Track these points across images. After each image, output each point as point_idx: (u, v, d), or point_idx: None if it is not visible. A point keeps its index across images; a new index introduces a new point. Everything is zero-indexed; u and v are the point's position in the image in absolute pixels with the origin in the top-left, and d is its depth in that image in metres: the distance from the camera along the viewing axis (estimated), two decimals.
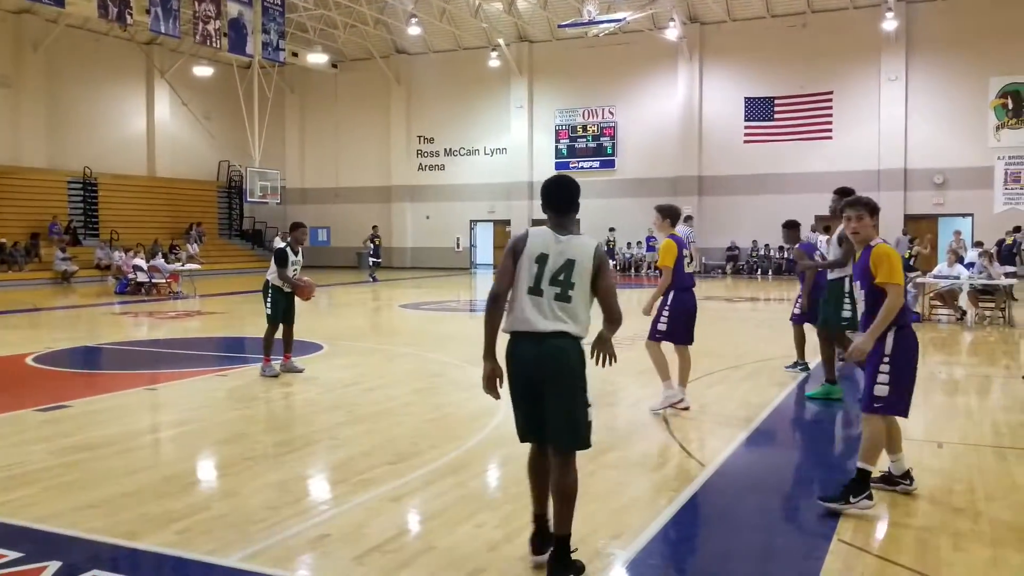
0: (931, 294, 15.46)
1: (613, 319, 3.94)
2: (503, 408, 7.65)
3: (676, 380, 7.52)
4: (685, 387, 7.54)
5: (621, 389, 8.61)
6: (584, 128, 33.10)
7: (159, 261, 23.84)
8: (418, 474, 5.56)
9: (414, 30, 31.28)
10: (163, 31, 25.02)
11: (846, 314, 7.72)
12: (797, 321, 9.52)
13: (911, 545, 4.36)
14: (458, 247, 35.96)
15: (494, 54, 32.67)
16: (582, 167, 33.15)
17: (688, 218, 19.18)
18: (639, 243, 31.37)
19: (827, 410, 7.75)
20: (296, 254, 9.53)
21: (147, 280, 22.53)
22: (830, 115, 29.58)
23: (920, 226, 27.89)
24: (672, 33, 29.85)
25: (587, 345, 3.95)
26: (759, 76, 30.35)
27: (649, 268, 30.93)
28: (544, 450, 4.01)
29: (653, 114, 31.94)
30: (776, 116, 30.19)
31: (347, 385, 8.91)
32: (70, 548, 4.22)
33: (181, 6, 25.33)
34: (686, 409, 7.41)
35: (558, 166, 33.54)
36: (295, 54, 32.85)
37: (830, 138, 29.51)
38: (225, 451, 6.39)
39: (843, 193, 7.84)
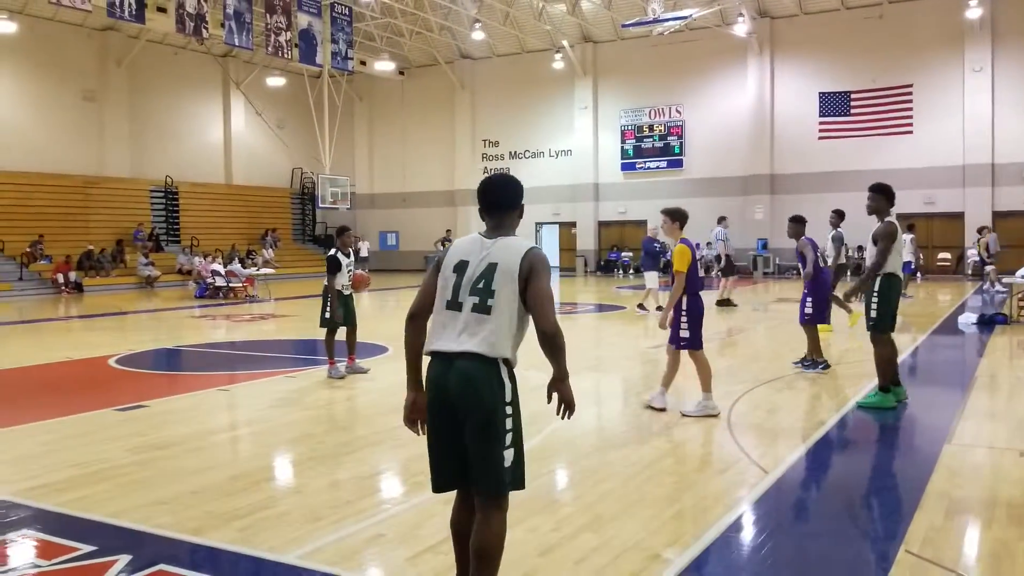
0: (1020, 295, 14.81)
1: (544, 330, 3.22)
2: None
3: (662, 382, 7.57)
4: (668, 388, 7.53)
5: (684, 393, 8.48)
6: (651, 128, 32.78)
7: (236, 266, 24.61)
8: None
9: (478, 35, 31.52)
10: (237, 43, 25.80)
11: (872, 314, 7.48)
12: (809, 322, 9.50)
13: (984, 558, 4.16)
14: None
15: (558, 56, 32.63)
16: (649, 167, 32.87)
17: (722, 219, 18.97)
18: (708, 244, 30.82)
19: (899, 416, 7.45)
20: (348, 257, 9.70)
21: (224, 284, 23.28)
22: (910, 109, 28.52)
23: (1009, 224, 26.74)
24: (741, 28, 29.32)
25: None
26: (834, 70, 29.51)
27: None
28: (468, 503, 3.44)
29: (722, 112, 31.39)
30: (852, 111, 29.29)
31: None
32: (140, 543, 4.39)
33: (253, 19, 26.08)
34: (663, 410, 7.41)
35: (624, 167, 33.36)
36: (363, 62, 33.45)
37: (910, 133, 28.46)
38: (290, 451, 6.56)
39: (878, 190, 7.65)
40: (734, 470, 5.74)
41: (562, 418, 3.41)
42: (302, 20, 27.58)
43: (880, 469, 6.10)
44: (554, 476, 5.78)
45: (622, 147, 33.40)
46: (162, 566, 4.06)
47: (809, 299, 9.50)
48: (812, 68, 30.00)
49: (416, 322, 3.47)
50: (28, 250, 25.60)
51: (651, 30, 28.69)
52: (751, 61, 30.68)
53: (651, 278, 16.93)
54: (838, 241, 12.47)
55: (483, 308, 3.28)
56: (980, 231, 22.60)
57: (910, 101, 28.51)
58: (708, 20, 29.51)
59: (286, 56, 27.65)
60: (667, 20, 26.96)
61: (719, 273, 18.17)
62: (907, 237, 18.59)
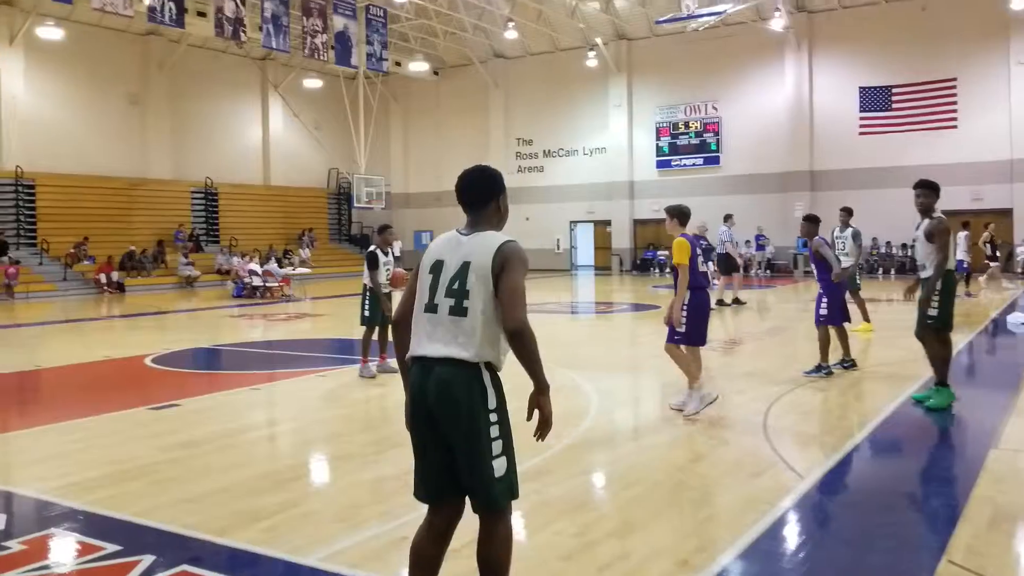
0: None
1: (508, 328, 3.03)
2: (590, 412, 7.57)
3: (689, 385, 7.38)
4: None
5: (719, 392, 8.33)
6: (686, 125, 32.43)
7: (272, 266, 24.83)
8: None
9: (511, 34, 31.48)
10: (274, 46, 26.06)
11: (932, 312, 7.33)
12: (824, 323, 9.27)
13: None
14: (558, 248, 35.92)
15: (591, 54, 32.43)
16: (685, 164, 32.53)
17: (728, 217, 18.72)
18: (747, 242, 30.42)
19: (941, 417, 7.24)
20: (387, 255, 9.68)
21: (261, 284, 23.50)
22: (954, 103, 27.79)
23: None
24: (778, 23, 28.85)
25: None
26: (874, 64, 28.91)
27: (760, 267, 30.05)
28: (438, 518, 3.28)
29: (760, 108, 30.96)
30: (894, 106, 28.65)
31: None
32: (165, 543, 4.39)
33: (290, 22, 26.31)
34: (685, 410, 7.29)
35: (659, 164, 33.07)
36: (398, 63, 33.59)
37: (955, 127, 27.74)
38: (318, 450, 6.56)
39: (927, 186, 7.53)
40: (768, 474, 5.58)
41: (537, 439, 3.18)
42: (338, 22, 27.77)
43: (922, 474, 5.90)
44: (581, 479, 5.69)
45: (657, 144, 33.09)
46: (185, 567, 4.05)
47: (825, 299, 9.30)
48: (852, 62, 29.45)
49: (401, 328, 3.34)
50: (72, 251, 26.10)
51: (686, 26, 28.36)
52: (789, 56, 30.21)
53: None
54: (858, 238, 12.34)
55: (459, 310, 3.12)
56: (986, 226, 22.14)
57: (954, 95, 27.80)
58: (744, 15, 29.10)
59: (322, 58, 27.87)
60: (702, 16, 26.61)
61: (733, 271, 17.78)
62: (962, 235, 18.20)
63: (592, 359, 11.12)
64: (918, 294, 7.53)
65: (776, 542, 4.42)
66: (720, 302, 16.56)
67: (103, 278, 25.18)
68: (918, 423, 7.08)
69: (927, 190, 7.53)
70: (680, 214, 7.40)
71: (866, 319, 12.82)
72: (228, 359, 12.08)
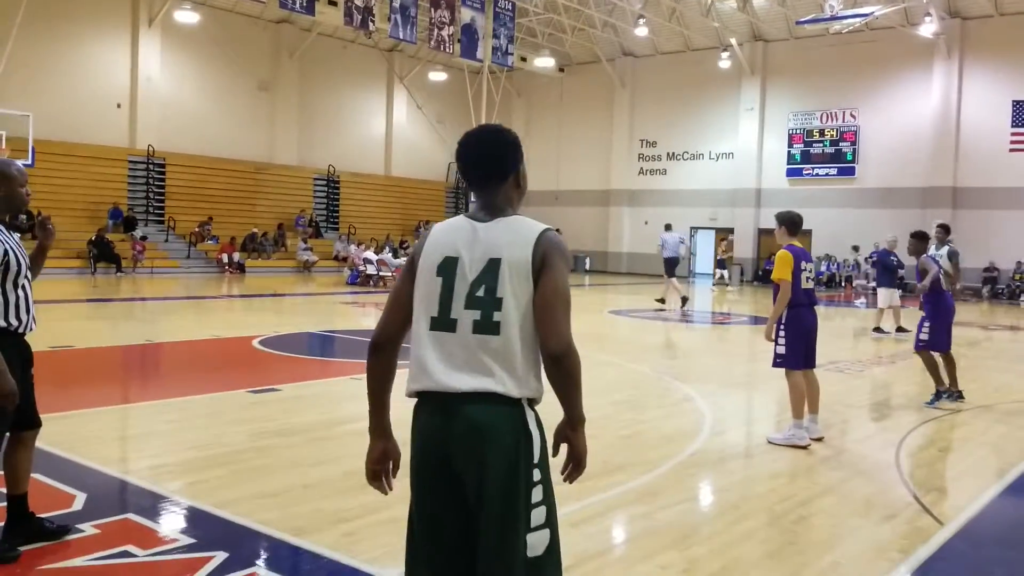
0: None
1: (550, 349, 2.26)
2: (703, 431, 7.00)
3: (807, 409, 6.71)
4: (816, 415, 6.72)
5: (848, 420, 7.62)
6: (821, 132, 30.86)
7: (387, 255, 25.11)
8: (601, 497, 5.05)
9: (641, 31, 30.73)
10: (401, 37, 26.31)
11: None
12: (924, 348, 8.44)
13: None
14: None
15: (725, 54, 31.31)
16: (817, 174, 31.01)
17: (668, 226, 17.93)
18: (866, 258, 28.64)
19: None
20: None
21: (375, 272, 23.79)
22: None
23: None
24: (927, 29, 27.06)
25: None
26: None
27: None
28: None
29: (902, 118, 29.13)
30: None
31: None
32: (240, 539, 4.18)
33: (418, 13, 26.50)
34: (820, 439, 6.61)
35: (790, 172, 31.65)
36: (523, 58, 33.37)
37: None
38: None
39: None
40: (902, 518, 4.95)
41: (564, 479, 2.43)
42: (465, 15, 27.77)
43: None
44: (690, 505, 5.17)
45: (789, 152, 31.66)
46: (256, 569, 3.81)
47: (926, 323, 8.47)
48: (1006, 74, 27.30)
49: (383, 353, 2.49)
50: (197, 230, 27.13)
51: (828, 28, 26.98)
52: (937, 64, 28.28)
53: (885, 295, 15.36)
54: (954, 257, 11.26)
55: (488, 326, 2.28)
56: None
57: None
58: (891, 19, 27.42)
59: (448, 51, 27.94)
60: (846, 17, 25.23)
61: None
62: None
63: (707, 372, 10.50)
64: None
65: None
66: (900, 329, 15.08)
67: (225, 258, 26.06)
68: None
69: None
70: (790, 222, 6.77)
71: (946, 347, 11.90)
72: (333, 346, 12.08)
